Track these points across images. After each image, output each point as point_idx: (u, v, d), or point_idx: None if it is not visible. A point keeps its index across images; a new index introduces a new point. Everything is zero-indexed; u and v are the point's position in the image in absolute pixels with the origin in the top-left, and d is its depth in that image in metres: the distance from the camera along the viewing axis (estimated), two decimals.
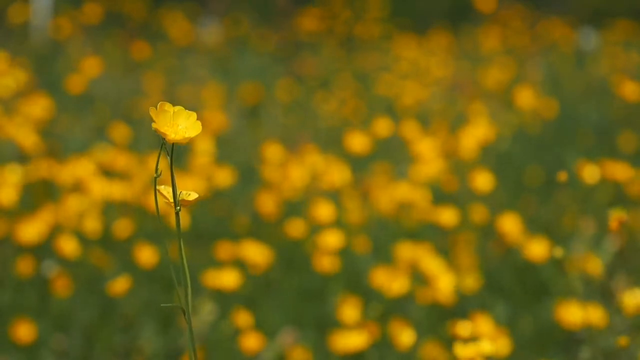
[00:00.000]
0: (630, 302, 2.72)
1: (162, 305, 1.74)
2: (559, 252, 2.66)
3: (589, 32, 10.55)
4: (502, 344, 3.45)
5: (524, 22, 10.50)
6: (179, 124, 1.67)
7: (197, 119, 1.68)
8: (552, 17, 10.96)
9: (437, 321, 3.95)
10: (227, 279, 3.83)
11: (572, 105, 7.24)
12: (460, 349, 2.07)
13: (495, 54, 9.11)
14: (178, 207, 1.69)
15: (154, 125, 1.66)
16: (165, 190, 1.70)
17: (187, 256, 4.41)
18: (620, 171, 4.17)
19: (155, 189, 1.70)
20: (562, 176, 2.70)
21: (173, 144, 1.67)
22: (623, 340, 2.43)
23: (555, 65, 8.87)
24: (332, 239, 4.07)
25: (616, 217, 2.60)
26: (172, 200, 1.69)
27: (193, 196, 1.70)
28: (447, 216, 4.27)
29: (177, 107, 1.68)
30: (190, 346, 1.67)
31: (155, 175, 1.69)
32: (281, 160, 4.85)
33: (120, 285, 3.79)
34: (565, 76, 8.39)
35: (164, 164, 1.68)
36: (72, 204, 4.23)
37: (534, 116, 6.65)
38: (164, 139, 1.66)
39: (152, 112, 1.66)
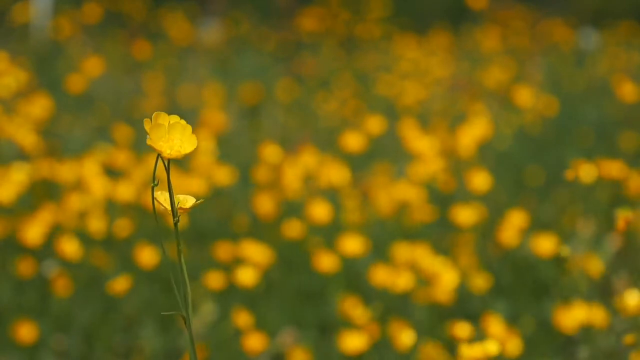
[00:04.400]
0: (631, 302, 2.71)
1: (162, 313, 1.72)
2: (565, 251, 2.65)
3: (589, 32, 10.55)
4: (511, 345, 3.45)
5: (524, 22, 10.50)
6: (174, 138, 1.60)
7: (192, 132, 1.61)
8: (553, 17, 10.95)
9: (438, 322, 3.95)
10: (244, 275, 3.84)
11: (572, 105, 7.24)
12: (465, 350, 2.06)
13: (495, 54, 9.10)
14: (177, 218, 1.65)
15: (148, 140, 1.59)
16: (162, 196, 1.65)
17: (187, 256, 4.40)
18: (619, 171, 4.17)
19: (152, 197, 1.65)
20: (570, 174, 2.69)
21: (169, 159, 1.61)
22: (629, 339, 2.43)
23: (556, 65, 8.87)
24: (352, 244, 4.07)
25: (623, 216, 2.59)
26: (169, 207, 1.64)
27: (190, 202, 1.65)
28: (465, 215, 4.27)
29: (173, 119, 1.60)
30: (191, 350, 1.66)
31: (152, 184, 1.64)
32: (278, 161, 4.85)
33: (120, 284, 3.79)
34: (566, 76, 8.39)
35: (161, 171, 1.63)
36: (73, 204, 4.23)
37: (534, 116, 6.65)
38: (160, 154, 1.61)
39: (147, 125, 1.59)
